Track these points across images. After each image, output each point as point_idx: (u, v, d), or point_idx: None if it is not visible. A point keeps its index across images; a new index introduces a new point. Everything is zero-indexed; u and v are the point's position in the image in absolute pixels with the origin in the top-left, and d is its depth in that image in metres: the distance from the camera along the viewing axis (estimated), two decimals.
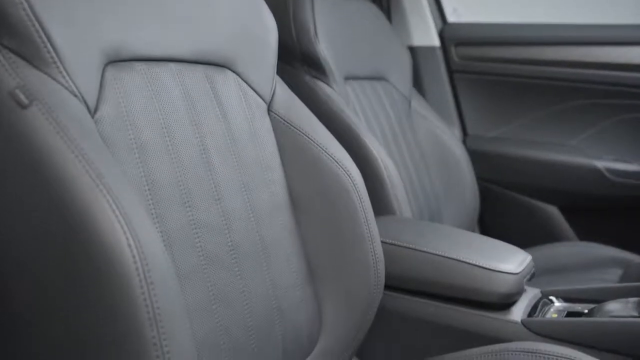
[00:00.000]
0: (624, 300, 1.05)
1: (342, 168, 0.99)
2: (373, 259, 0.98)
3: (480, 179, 1.92)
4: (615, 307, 1.03)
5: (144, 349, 0.59)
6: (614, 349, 0.97)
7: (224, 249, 0.84)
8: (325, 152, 0.99)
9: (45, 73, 0.65)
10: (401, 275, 1.11)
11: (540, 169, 1.86)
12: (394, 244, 1.11)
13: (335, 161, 0.99)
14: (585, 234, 1.82)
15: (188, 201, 0.80)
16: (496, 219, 1.94)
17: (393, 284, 1.11)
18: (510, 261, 1.07)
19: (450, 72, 2.00)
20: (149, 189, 0.75)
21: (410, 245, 1.10)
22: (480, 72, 1.96)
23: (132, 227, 0.60)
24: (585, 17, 1.92)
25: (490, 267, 1.05)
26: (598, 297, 1.11)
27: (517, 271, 1.06)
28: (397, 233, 1.13)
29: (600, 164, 1.79)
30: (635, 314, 1.00)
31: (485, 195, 1.92)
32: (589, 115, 1.86)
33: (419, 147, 1.73)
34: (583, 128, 1.87)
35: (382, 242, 1.10)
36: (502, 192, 1.92)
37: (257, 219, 0.91)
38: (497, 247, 1.12)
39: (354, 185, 0.99)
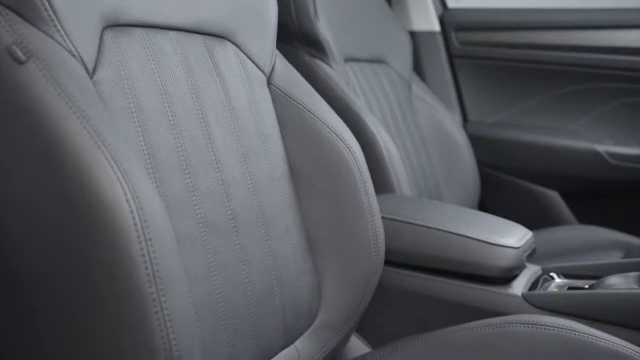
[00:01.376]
0: (624, 274, 1.04)
1: (342, 141, 0.98)
2: (373, 232, 0.98)
3: (481, 164, 1.91)
4: (616, 281, 1.02)
5: (142, 305, 0.58)
6: (615, 321, 0.96)
7: (223, 217, 0.83)
8: (326, 125, 0.99)
9: (43, 31, 0.65)
10: (401, 251, 1.10)
11: (541, 153, 1.86)
12: (394, 219, 1.11)
13: (336, 134, 0.98)
14: (586, 218, 1.81)
15: (187, 168, 0.80)
16: (496, 204, 1.94)
17: (393, 259, 1.11)
18: (511, 236, 1.07)
19: (451, 58, 1.99)
20: (147, 153, 0.75)
21: (411, 220, 1.10)
22: (481, 57, 1.96)
23: (130, 183, 0.60)
24: (586, 1, 1.91)
25: (491, 241, 1.05)
26: (599, 274, 1.11)
27: (518, 245, 1.05)
28: (397, 209, 1.13)
29: (601, 148, 1.78)
30: (636, 287, 0.99)
31: (485, 180, 1.92)
32: (589, 99, 1.86)
33: (419, 131, 1.72)
34: (584, 112, 1.87)
35: (382, 217, 1.10)
36: (503, 177, 1.92)
37: (256, 190, 0.91)
38: (498, 223, 1.12)
39: (354, 159, 0.98)
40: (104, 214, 0.59)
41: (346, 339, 1.01)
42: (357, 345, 1.12)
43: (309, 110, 0.99)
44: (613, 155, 1.77)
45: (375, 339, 1.12)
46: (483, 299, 1.05)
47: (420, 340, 0.99)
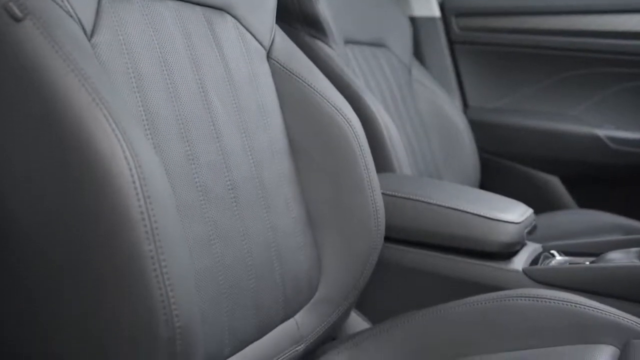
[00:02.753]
0: (625, 250, 1.04)
1: (342, 116, 0.98)
2: (373, 207, 0.97)
3: (481, 149, 1.91)
4: (617, 256, 1.02)
5: (140, 263, 0.58)
6: (616, 295, 0.96)
7: (222, 187, 0.83)
8: (326, 99, 0.98)
9: None
10: (401, 227, 1.10)
11: (541, 139, 1.85)
12: (394, 195, 1.10)
13: (336, 109, 0.98)
14: (586, 203, 1.81)
15: (186, 136, 0.79)
16: (497, 189, 1.91)
17: (393, 236, 1.10)
18: (511, 212, 1.07)
19: (451, 43, 1.99)
20: (146, 119, 0.74)
21: (411, 196, 1.09)
22: (481, 42, 1.95)
23: (129, 141, 0.59)
24: None
25: (492, 217, 1.04)
26: (599, 251, 1.11)
27: (519, 221, 1.05)
28: (397, 185, 1.12)
29: (602, 133, 1.78)
30: (638, 261, 0.99)
31: (485, 165, 1.92)
32: (590, 84, 1.85)
33: (419, 115, 1.72)
34: (584, 97, 1.86)
35: (382, 193, 1.09)
36: (503, 163, 1.91)
37: (256, 163, 0.90)
38: (498, 200, 1.12)
39: (354, 133, 0.98)
40: (102, 172, 0.58)
41: (346, 314, 1.00)
42: (357, 321, 1.11)
43: (308, 85, 0.98)
44: (614, 139, 1.76)
45: (375, 316, 1.11)
46: (483, 274, 1.05)
47: (420, 315, 0.99)
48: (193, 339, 0.61)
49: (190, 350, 0.61)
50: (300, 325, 0.94)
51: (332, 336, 1.04)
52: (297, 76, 0.99)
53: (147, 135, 0.74)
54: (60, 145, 0.59)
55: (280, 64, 0.99)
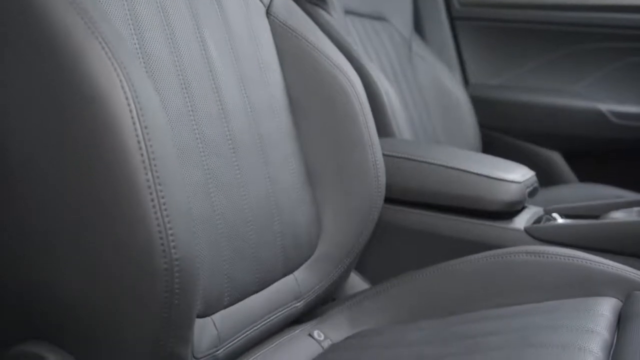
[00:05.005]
0: (627, 209, 1.03)
1: (343, 74, 0.97)
2: (373, 164, 0.96)
3: (482, 125, 1.90)
4: (619, 215, 1.01)
5: (137, 193, 0.57)
6: (618, 251, 0.95)
7: (221, 137, 0.82)
8: (326, 56, 0.97)
9: None
10: (403, 187, 1.09)
11: (543, 114, 1.85)
12: (395, 156, 1.10)
13: (336, 66, 0.97)
14: (588, 178, 1.80)
15: (184, 84, 0.79)
16: None
17: (394, 197, 1.10)
18: (513, 172, 1.06)
19: (452, 20, 1.98)
20: (144, 62, 0.73)
21: (411, 157, 1.08)
22: (482, 18, 1.94)
23: (126, 72, 0.59)
24: None
25: (494, 176, 1.03)
26: (601, 213, 1.10)
27: (520, 180, 1.04)
28: (398, 147, 1.12)
29: (604, 107, 1.77)
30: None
31: (487, 142, 1.91)
32: (592, 59, 1.84)
33: (419, 89, 1.71)
34: (586, 73, 1.86)
35: (383, 154, 1.08)
36: (504, 139, 1.90)
37: (255, 117, 0.89)
38: (500, 161, 1.11)
39: (355, 91, 0.97)
40: (98, 102, 0.57)
41: (346, 273, 1.00)
42: (357, 282, 1.11)
43: (307, 41, 0.98)
44: (616, 114, 1.76)
45: (375, 278, 1.11)
46: (485, 234, 1.04)
47: (421, 274, 0.98)
48: (191, 272, 0.61)
49: (188, 286, 0.61)
50: (300, 282, 0.93)
51: (332, 297, 1.03)
52: (297, 33, 0.98)
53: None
54: (58, 76, 0.59)
55: (279, 21, 0.98)
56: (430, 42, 1.96)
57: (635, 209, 1.02)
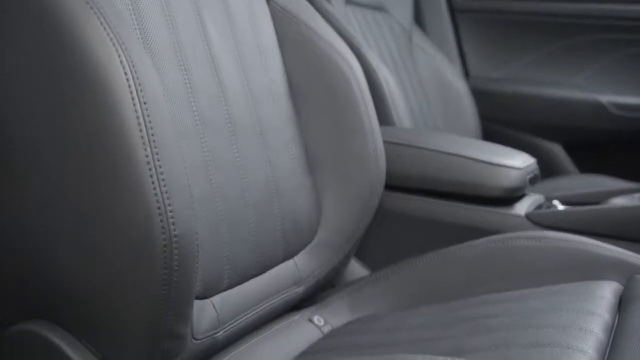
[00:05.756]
0: (628, 195, 1.03)
1: (343, 59, 0.97)
2: (373, 150, 0.96)
3: (483, 118, 1.89)
4: (619, 201, 1.01)
5: (136, 169, 0.57)
6: (620, 235, 0.95)
7: (221, 119, 0.82)
8: (326, 42, 0.97)
9: None
10: (402, 174, 1.09)
11: (544, 106, 1.84)
12: (395, 143, 1.09)
13: (336, 52, 0.97)
14: (589, 170, 1.80)
15: (183, 63, 0.78)
16: None
17: (394, 184, 1.09)
18: (513, 158, 1.06)
19: (452, 12, 1.97)
20: (142, 38, 0.73)
21: (412, 143, 1.08)
22: (482, 10, 1.94)
23: (124, 47, 0.58)
24: None
25: (494, 162, 1.03)
26: (602, 200, 1.10)
27: (521, 166, 1.04)
28: (398, 134, 1.11)
29: (604, 99, 1.76)
30: None
31: (487, 134, 1.90)
32: (592, 51, 1.84)
33: (420, 81, 1.70)
34: (586, 65, 1.85)
35: (383, 141, 1.08)
36: (505, 131, 1.90)
37: (255, 102, 0.89)
38: (500, 148, 1.11)
39: (355, 76, 0.97)
40: (97, 77, 0.57)
41: (346, 260, 0.99)
42: (358, 270, 1.10)
43: (307, 26, 0.97)
44: (617, 105, 1.75)
45: (375, 265, 1.10)
46: (486, 220, 1.04)
47: (422, 260, 0.98)
48: (190, 249, 0.60)
49: (187, 263, 0.60)
50: (300, 267, 0.93)
51: (332, 283, 1.03)
52: (297, 19, 0.98)
53: None
54: (59, 56, 0.59)
55: (279, 6, 0.98)
56: (430, 34, 1.95)
57: (636, 195, 1.02)
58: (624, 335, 0.68)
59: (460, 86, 1.77)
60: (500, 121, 1.91)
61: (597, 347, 0.65)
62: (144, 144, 0.57)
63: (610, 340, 0.68)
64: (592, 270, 0.86)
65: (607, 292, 0.79)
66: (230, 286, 0.80)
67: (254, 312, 0.83)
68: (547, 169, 1.84)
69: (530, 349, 0.65)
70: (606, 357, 0.65)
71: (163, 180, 0.58)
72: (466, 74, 1.98)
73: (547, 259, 0.90)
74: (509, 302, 0.81)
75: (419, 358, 0.50)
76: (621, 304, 0.78)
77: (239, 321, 0.80)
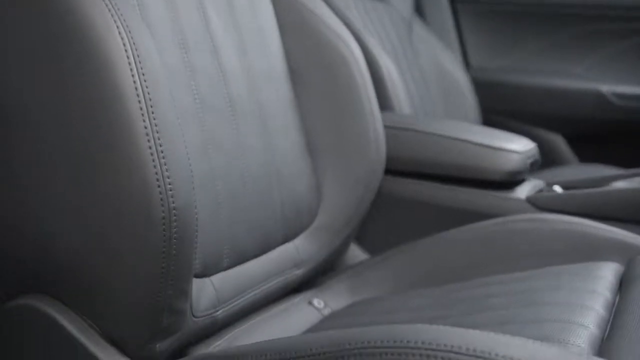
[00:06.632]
0: (629, 179, 1.03)
1: (344, 41, 0.97)
2: (373, 134, 0.96)
3: (484, 108, 1.89)
4: (620, 184, 1.01)
5: (135, 140, 0.57)
6: (620, 217, 0.95)
7: (220, 101, 0.82)
8: (326, 25, 0.97)
9: None
10: (403, 158, 1.08)
11: (544, 96, 1.83)
12: (395, 127, 1.09)
13: (337, 35, 0.97)
14: (590, 160, 1.79)
15: (182, 43, 0.78)
16: None
17: (394, 168, 1.09)
18: (514, 142, 1.05)
19: (452, 2, 1.97)
20: (140, 14, 0.72)
21: (412, 127, 1.08)
22: (483, 0, 1.93)
23: (122, 18, 0.58)
24: None
25: (495, 146, 1.03)
26: (602, 185, 1.09)
27: (522, 150, 1.04)
28: (398, 119, 1.11)
29: (605, 89, 1.76)
30: None
31: (488, 124, 1.89)
32: (593, 41, 1.83)
33: (420, 71, 1.70)
34: (587, 55, 1.85)
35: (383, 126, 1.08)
36: (505, 122, 1.89)
37: (254, 84, 0.89)
38: (501, 132, 1.10)
39: (355, 60, 0.97)
40: (96, 49, 0.57)
41: (345, 243, 0.99)
42: (357, 254, 1.10)
43: (309, 10, 0.97)
44: (618, 95, 1.75)
45: (375, 249, 1.10)
46: (486, 203, 1.03)
47: (422, 244, 0.98)
48: (189, 222, 0.60)
49: (186, 235, 0.60)
50: (300, 249, 0.92)
51: (332, 267, 1.03)
52: (297, 2, 0.97)
53: None
54: (57, 26, 0.58)
55: None
56: (431, 24, 1.95)
57: (637, 179, 1.02)
58: (625, 312, 0.68)
59: (460, 76, 1.77)
60: (500, 111, 1.90)
61: (598, 322, 0.65)
62: (142, 115, 0.57)
63: (612, 317, 0.68)
64: (593, 251, 0.86)
65: (608, 272, 0.79)
66: (230, 266, 0.80)
67: (253, 292, 0.83)
68: (547, 159, 1.83)
69: (530, 324, 0.65)
70: (607, 332, 0.65)
71: (162, 152, 0.57)
72: (467, 64, 1.98)
73: (547, 241, 0.90)
74: (509, 283, 0.81)
75: (418, 327, 0.50)
76: (622, 284, 0.78)
77: (238, 301, 0.80)
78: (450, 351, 0.47)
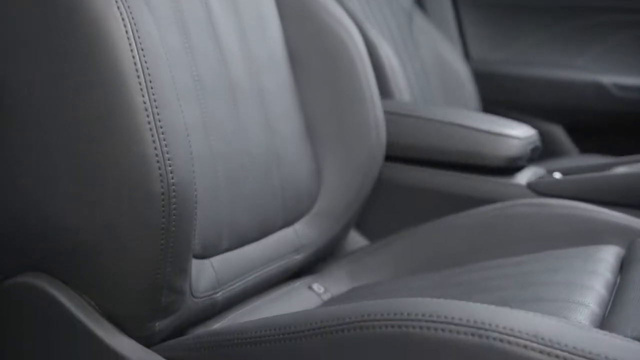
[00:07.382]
0: (630, 165, 1.03)
1: (344, 27, 0.96)
2: (373, 119, 0.96)
3: (484, 100, 1.88)
4: (621, 169, 1.01)
5: (134, 115, 0.57)
6: (621, 202, 0.94)
7: (220, 84, 0.81)
8: (326, 11, 0.97)
9: None
10: (403, 144, 1.08)
11: (545, 88, 1.83)
12: (395, 113, 1.09)
13: (337, 20, 0.96)
14: (590, 151, 1.79)
15: (183, 27, 0.78)
16: None
17: (394, 154, 1.09)
18: (515, 128, 1.05)
19: None
20: None
21: (412, 113, 1.08)
22: None
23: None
24: None
25: (495, 132, 1.03)
26: (602, 170, 1.09)
27: (522, 136, 1.03)
28: (398, 105, 1.11)
29: (606, 80, 1.76)
30: None
31: None
32: (593, 33, 1.83)
33: (421, 62, 1.69)
34: (588, 46, 1.84)
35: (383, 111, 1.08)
36: (506, 113, 1.88)
37: (255, 69, 0.89)
38: (501, 119, 1.10)
39: (355, 45, 0.97)
40: (95, 25, 0.57)
41: (345, 229, 0.99)
42: (357, 240, 1.10)
43: None
44: (618, 87, 1.75)
45: (376, 236, 1.10)
46: (487, 189, 1.03)
47: (422, 229, 0.98)
48: (188, 198, 0.60)
49: (185, 212, 0.60)
50: (300, 234, 0.92)
51: (332, 253, 1.02)
52: None
53: None
54: (54, 4, 0.58)
55: None
56: (431, 16, 1.94)
57: (637, 164, 1.02)
58: (627, 292, 0.68)
59: (460, 68, 1.76)
60: (500, 103, 1.90)
61: (598, 301, 0.65)
62: (141, 89, 0.56)
63: (612, 297, 0.68)
64: (593, 235, 0.86)
65: (608, 255, 0.78)
66: (230, 248, 0.80)
67: (253, 275, 0.82)
68: (548, 151, 1.83)
69: (531, 303, 0.65)
70: (607, 311, 0.64)
71: (161, 127, 0.57)
72: (467, 55, 1.97)
73: (548, 225, 0.89)
74: (508, 267, 0.81)
75: (418, 300, 0.50)
76: (623, 267, 0.77)
77: (238, 284, 0.79)
78: (451, 323, 0.47)
